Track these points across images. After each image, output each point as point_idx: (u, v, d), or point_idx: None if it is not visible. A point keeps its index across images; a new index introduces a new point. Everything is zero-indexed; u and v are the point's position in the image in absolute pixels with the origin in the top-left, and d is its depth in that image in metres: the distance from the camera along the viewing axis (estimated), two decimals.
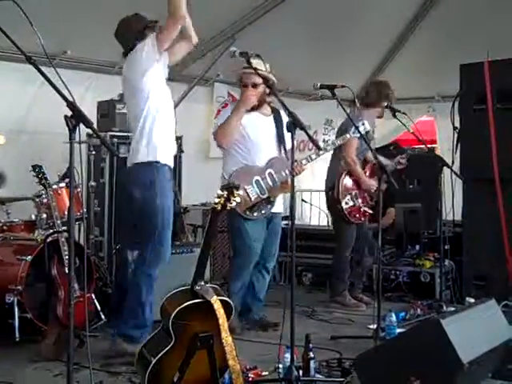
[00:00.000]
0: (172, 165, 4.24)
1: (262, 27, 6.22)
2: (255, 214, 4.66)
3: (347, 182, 5.59)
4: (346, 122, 5.67)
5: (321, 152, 4.95)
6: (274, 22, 6.21)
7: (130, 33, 4.15)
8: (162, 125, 4.10)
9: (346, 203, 5.54)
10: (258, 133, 4.75)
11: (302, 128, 3.42)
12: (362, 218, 5.66)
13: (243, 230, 4.67)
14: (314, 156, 4.88)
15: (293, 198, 3.49)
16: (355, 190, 5.62)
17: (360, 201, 5.62)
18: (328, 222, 7.31)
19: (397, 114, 4.88)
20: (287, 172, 4.68)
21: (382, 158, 5.49)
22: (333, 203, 5.62)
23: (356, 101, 5.61)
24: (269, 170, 4.70)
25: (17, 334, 4.26)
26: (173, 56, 4.27)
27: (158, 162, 4.05)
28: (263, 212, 4.68)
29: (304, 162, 4.79)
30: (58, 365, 3.92)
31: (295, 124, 3.39)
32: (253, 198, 4.63)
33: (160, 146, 4.08)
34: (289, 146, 4.55)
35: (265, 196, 4.66)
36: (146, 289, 4.06)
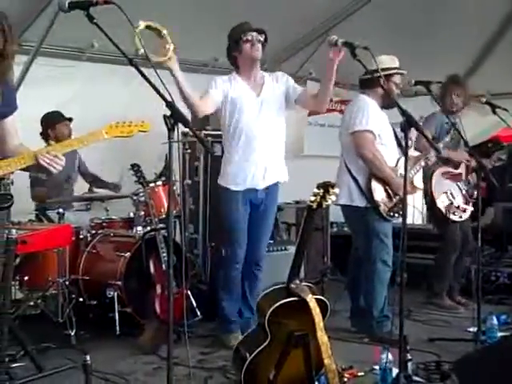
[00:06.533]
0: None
1: (354, 24, 6.13)
2: (396, 215, 4.54)
3: (438, 180, 5.42)
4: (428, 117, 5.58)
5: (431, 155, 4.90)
6: (366, 19, 6.11)
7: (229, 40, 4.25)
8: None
9: (442, 202, 5.38)
10: (388, 132, 4.62)
11: (418, 129, 3.32)
12: (462, 215, 5.47)
13: (384, 232, 4.56)
14: (423, 163, 4.85)
15: (405, 198, 3.40)
16: (450, 187, 5.45)
17: (459, 198, 5.45)
18: (423, 220, 7.15)
19: (497, 109, 4.69)
20: (413, 172, 4.67)
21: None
22: (431, 205, 5.48)
23: None
24: (400, 171, 4.52)
25: (117, 328, 4.41)
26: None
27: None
28: (400, 213, 4.47)
29: (418, 168, 4.77)
30: (155, 359, 4.03)
31: (410, 124, 3.29)
32: (394, 199, 4.53)
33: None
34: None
35: (399, 197, 4.49)
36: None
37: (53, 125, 5.23)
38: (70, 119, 5.28)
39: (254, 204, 4.29)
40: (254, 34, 4.14)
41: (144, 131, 2.99)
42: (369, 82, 4.53)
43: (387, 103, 4.55)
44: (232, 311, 4.33)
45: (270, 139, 4.25)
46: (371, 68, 3.80)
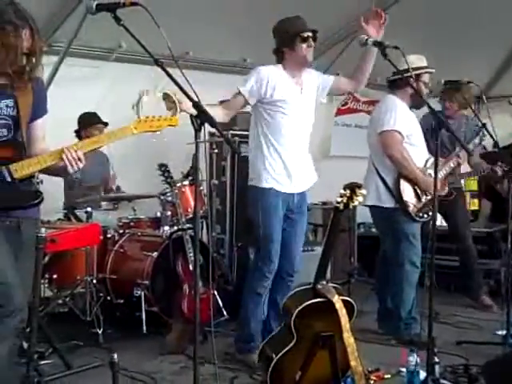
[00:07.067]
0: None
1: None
2: (425, 216, 4.50)
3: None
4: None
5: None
6: (394, 19, 6.05)
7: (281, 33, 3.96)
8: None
9: None
10: (418, 132, 4.60)
11: (449, 130, 3.29)
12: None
13: (413, 233, 4.50)
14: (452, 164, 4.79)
15: (435, 199, 3.37)
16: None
17: None
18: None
19: None
20: (442, 174, 4.62)
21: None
22: None
23: (483, 97, 5.39)
24: (429, 171, 4.48)
25: (144, 327, 4.44)
26: None
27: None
28: (430, 214, 4.43)
29: (447, 169, 4.73)
30: (182, 358, 4.05)
31: (441, 125, 3.26)
32: (423, 200, 4.50)
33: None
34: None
35: (429, 197, 4.44)
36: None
37: (86, 126, 5.31)
38: (106, 124, 5.33)
39: (289, 210, 4.02)
40: (311, 34, 3.92)
41: (173, 125, 2.96)
42: (398, 82, 4.51)
43: (417, 103, 4.52)
44: (257, 330, 4.00)
45: (305, 138, 4.08)
46: (401, 68, 3.80)
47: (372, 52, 3.88)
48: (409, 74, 4.09)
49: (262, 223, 3.93)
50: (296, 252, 4.10)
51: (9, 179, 2.68)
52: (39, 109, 2.87)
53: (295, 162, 3.98)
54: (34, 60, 2.75)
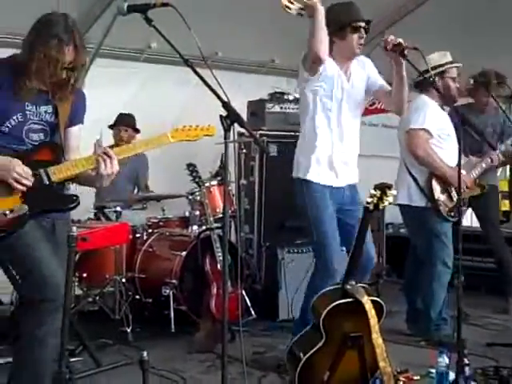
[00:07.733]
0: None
1: (410, 23, 6.05)
2: (457, 216, 4.42)
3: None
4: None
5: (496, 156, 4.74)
6: (423, 19, 6.03)
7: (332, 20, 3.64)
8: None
9: None
10: (450, 130, 4.52)
11: (473, 127, 3.25)
12: None
13: (445, 233, 4.46)
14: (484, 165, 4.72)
15: (459, 198, 3.34)
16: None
17: None
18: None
19: None
20: (474, 174, 4.60)
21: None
22: None
23: None
24: (463, 171, 4.42)
25: (172, 326, 4.47)
26: None
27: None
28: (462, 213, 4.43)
29: (479, 169, 4.66)
30: (210, 356, 4.06)
31: (464, 123, 3.24)
32: (455, 199, 4.45)
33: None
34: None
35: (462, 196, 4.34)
36: None
37: (115, 124, 5.50)
38: (138, 130, 5.45)
39: (340, 208, 3.84)
40: (364, 24, 3.73)
41: (210, 135, 2.96)
42: (423, 83, 4.45)
43: (447, 100, 4.45)
44: None
45: (353, 132, 3.89)
46: (423, 68, 3.75)
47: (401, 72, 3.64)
48: (429, 75, 4.05)
49: (312, 219, 3.75)
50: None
51: (47, 182, 2.72)
52: (75, 117, 2.90)
53: (342, 155, 3.82)
54: (75, 74, 2.77)
